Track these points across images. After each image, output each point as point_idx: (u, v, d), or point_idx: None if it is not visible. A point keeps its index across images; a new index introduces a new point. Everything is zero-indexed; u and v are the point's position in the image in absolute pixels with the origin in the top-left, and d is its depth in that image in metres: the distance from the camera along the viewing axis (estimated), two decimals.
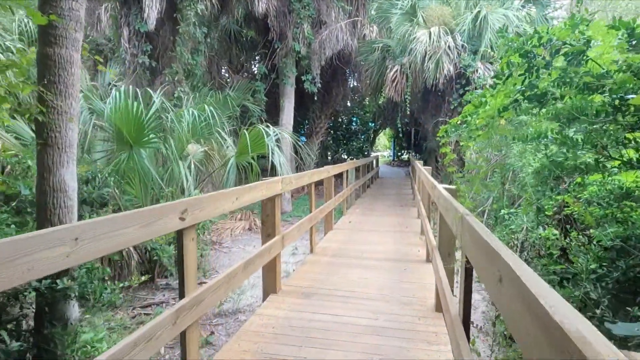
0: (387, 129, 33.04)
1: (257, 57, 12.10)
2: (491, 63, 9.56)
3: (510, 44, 1.97)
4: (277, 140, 5.09)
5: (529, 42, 1.71)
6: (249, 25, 12.04)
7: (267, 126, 4.71)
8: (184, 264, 2.34)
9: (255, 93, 10.03)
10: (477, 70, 9.45)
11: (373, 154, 21.91)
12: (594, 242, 2.82)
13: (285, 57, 9.92)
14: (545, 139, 2.55)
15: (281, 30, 9.64)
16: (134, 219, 1.83)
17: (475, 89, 9.59)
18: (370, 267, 5.07)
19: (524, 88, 1.86)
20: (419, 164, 8.98)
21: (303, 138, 15.54)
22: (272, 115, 11.80)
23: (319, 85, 11.04)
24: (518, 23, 9.24)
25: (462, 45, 9.68)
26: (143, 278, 3.58)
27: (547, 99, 1.74)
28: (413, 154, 26.25)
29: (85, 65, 8.21)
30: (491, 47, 9.33)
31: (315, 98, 14.89)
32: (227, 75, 13.22)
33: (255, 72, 10.37)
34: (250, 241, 8.21)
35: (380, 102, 20.14)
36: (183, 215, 2.25)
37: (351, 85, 21.76)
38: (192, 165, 5.62)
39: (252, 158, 5.18)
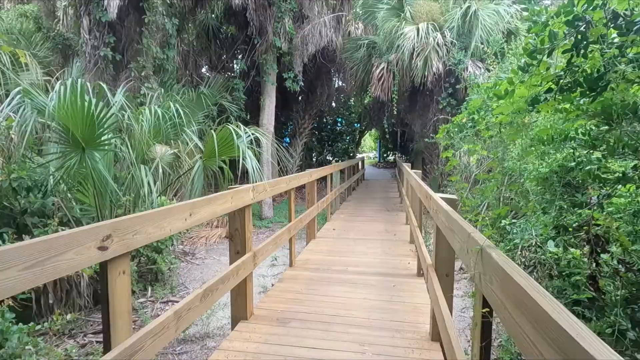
0: (373, 130, 32.69)
1: (238, 54, 11.48)
2: (482, 60, 9.15)
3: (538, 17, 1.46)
4: (255, 142, 4.51)
5: (578, 4, 1.21)
6: (228, 21, 11.42)
7: (238, 125, 4.13)
8: (109, 306, 1.77)
9: (234, 91, 9.42)
10: (467, 68, 9.03)
11: (359, 156, 21.46)
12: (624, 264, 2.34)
13: (266, 53, 9.34)
14: (572, 141, 2.04)
15: (261, 25, 9.06)
16: (10, 257, 1.25)
17: (465, 88, 9.16)
18: (356, 283, 4.54)
19: (560, 73, 1.37)
20: (406, 167, 8.51)
21: (287, 139, 14.98)
22: (254, 115, 11.21)
23: (302, 83, 10.49)
24: (510, 19, 8.87)
25: (452, 42, 9.26)
26: (69, 317, 2.95)
27: (604, 83, 1.24)
28: (399, 155, 25.90)
29: (45, 62, 7.52)
30: (482, 44, 8.92)
31: (299, 98, 14.37)
32: (207, 73, 12.60)
33: (236, 69, 9.76)
34: (226, 251, 7.60)
35: (366, 102, 19.68)
36: (105, 243, 1.68)
37: (336, 86, 21.30)
38: (160, 170, 5.02)
39: (224, 162, 4.59)
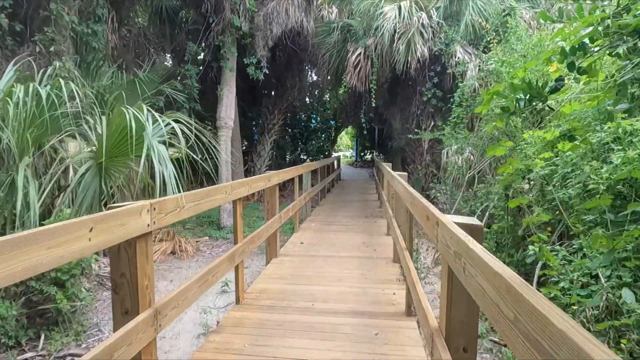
0: (350, 128, 31.57)
1: (192, 37, 10.01)
2: (473, 45, 8.01)
3: None
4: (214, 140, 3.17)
5: None
6: (184, 1, 9.97)
7: (148, 110, 2.77)
8: None
9: (185, 78, 7.99)
10: (454, 54, 7.88)
11: (334, 154, 20.24)
12: None
13: (223, 34, 7.94)
14: None
15: (217, 1, 7.67)
16: None
17: (453, 76, 8.01)
18: (324, 331, 3.28)
19: None
20: (387, 168, 7.31)
21: (257, 136, 13.56)
22: (213, 108, 9.79)
23: (267, 71, 9.13)
24: None
25: (438, 23, 8.11)
26: None
27: None
28: (377, 154, 24.84)
29: None
30: (473, 27, 7.78)
31: (268, 92, 13.01)
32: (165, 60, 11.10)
33: (188, 53, 8.29)
34: (169, 272, 6.21)
35: (341, 93, 18.49)
36: None
37: (310, 80, 20.00)
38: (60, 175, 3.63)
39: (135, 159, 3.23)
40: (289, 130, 16.14)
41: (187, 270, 6.30)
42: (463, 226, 1.82)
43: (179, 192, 2.75)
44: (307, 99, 17.61)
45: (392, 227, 5.25)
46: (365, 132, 24.13)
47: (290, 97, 12.71)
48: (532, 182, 4.17)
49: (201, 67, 9.02)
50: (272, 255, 5.48)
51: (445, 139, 7.44)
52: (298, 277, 4.72)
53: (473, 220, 1.91)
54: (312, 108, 17.54)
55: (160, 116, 2.86)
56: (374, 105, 8.67)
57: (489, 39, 7.38)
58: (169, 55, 11.62)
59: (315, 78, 20.20)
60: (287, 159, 14.51)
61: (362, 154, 30.98)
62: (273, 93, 12.72)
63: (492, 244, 4.60)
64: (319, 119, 18.27)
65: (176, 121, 3.10)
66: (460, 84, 7.44)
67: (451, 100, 7.81)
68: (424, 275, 5.70)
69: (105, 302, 4.97)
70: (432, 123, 8.53)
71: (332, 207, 10.17)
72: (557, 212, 3.49)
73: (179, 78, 8.01)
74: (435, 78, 8.34)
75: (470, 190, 7.32)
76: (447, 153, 8.10)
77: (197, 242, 7.44)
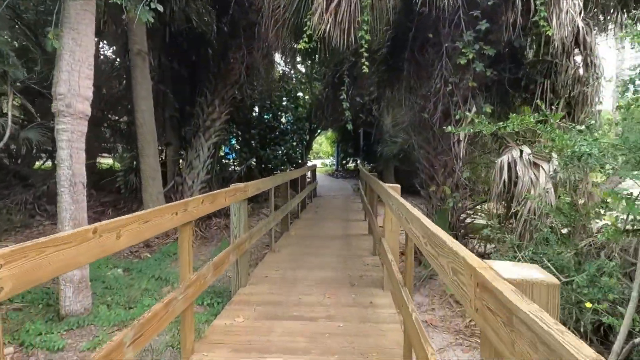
0: (330, 132, 27.61)
1: None
2: None
3: None
4: None
5: None
6: None
7: None
8: None
9: None
10: None
11: (309, 163, 16.21)
12: None
13: None
14: None
15: None
16: None
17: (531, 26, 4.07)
18: None
19: None
20: (389, 190, 3.42)
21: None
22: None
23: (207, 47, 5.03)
24: None
25: None
26: None
27: None
28: (360, 161, 20.91)
29: None
30: None
31: (206, 74, 8.88)
32: None
33: None
34: None
35: (317, 88, 14.53)
36: None
37: (280, 71, 15.98)
38: None
39: None
40: (242, 130, 12.00)
41: None
42: None
43: None
44: (264, 89, 13.55)
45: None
46: (349, 131, 20.05)
47: (236, 79, 8.60)
48: None
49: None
50: None
51: (544, 146, 3.50)
52: None
53: None
54: (278, 104, 13.46)
55: None
56: (365, 69, 4.59)
57: None
58: None
59: (285, 68, 16.22)
60: (239, 170, 10.25)
61: (344, 161, 26.98)
62: (212, 76, 8.60)
63: None
64: (290, 117, 14.22)
65: None
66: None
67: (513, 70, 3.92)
68: None
69: None
70: (473, 109, 4.56)
71: (299, 248, 6.11)
72: None
73: None
74: (484, 24, 4.33)
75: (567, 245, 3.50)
76: (509, 167, 4.20)
77: None
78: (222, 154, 11.60)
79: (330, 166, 32.52)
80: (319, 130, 20.10)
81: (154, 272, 5.57)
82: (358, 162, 21.85)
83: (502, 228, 4.09)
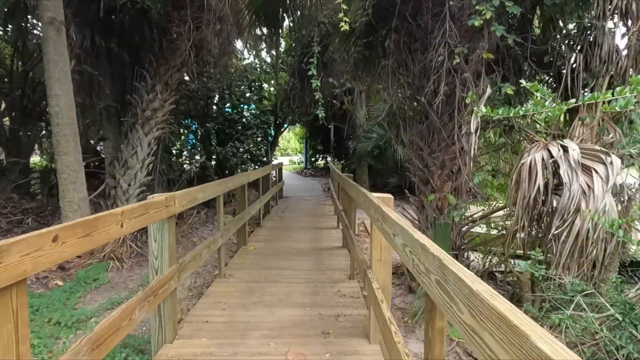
0: (298, 127, 26.26)
1: None
2: None
3: None
4: None
5: None
6: None
7: None
8: None
9: None
10: None
11: (275, 161, 14.82)
12: None
13: None
14: None
15: None
16: None
17: None
18: None
19: None
20: (373, 198, 2.17)
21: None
22: None
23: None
24: None
25: None
26: None
27: None
28: (331, 158, 19.68)
29: None
30: None
31: (148, 57, 7.29)
32: None
33: None
34: None
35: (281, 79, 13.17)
36: None
37: (240, 56, 14.51)
38: None
39: None
40: (195, 124, 10.46)
41: None
42: None
43: None
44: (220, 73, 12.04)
45: None
46: (319, 126, 18.73)
47: (183, 61, 7.07)
48: None
49: None
50: None
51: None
52: None
53: None
54: (239, 95, 11.98)
55: None
56: (345, 27, 3.28)
57: None
58: None
59: (251, 57, 14.70)
60: (188, 171, 8.66)
61: (313, 159, 25.64)
62: (152, 56, 7.08)
63: None
64: (253, 109, 12.75)
65: None
66: None
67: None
68: None
69: None
70: (488, 90, 3.34)
71: (251, 281, 4.70)
72: None
73: None
74: None
75: None
76: (543, 168, 2.99)
77: None
78: (176, 151, 10.01)
79: (299, 164, 31.12)
80: (285, 125, 18.67)
81: (54, 313, 4.07)
82: (328, 159, 20.61)
83: (537, 252, 2.88)
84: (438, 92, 3.52)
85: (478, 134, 3.30)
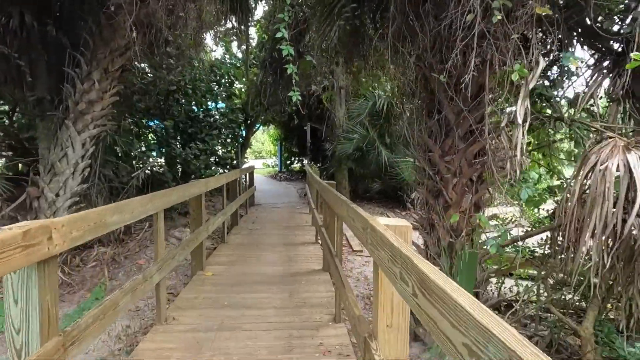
0: (273, 128, 24.99)
1: None
2: None
3: None
4: None
5: None
6: None
7: None
8: None
9: None
10: None
11: (246, 164, 13.55)
12: None
13: None
14: None
15: None
16: None
17: None
18: None
19: None
20: (380, 229, 0.99)
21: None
22: None
23: None
24: None
25: None
26: None
27: None
28: (308, 161, 18.50)
29: None
30: None
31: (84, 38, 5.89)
32: None
33: None
34: None
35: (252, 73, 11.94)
36: None
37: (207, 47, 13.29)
38: None
39: None
40: (153, 121, 9.09)
41: None
42: None
43: None
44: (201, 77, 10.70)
45: None
46: (294, 127, 17.47)
47: (127, 44, 5.74)
48: None
49: None
50: None
51: None
52: None
53: None
54: (204, 90, 10.67)
55: None
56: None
57: None
58: None
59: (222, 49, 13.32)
60: (135, 176, 7.21)
61: (288, 162, 24.37)
62: (89, 37, 5.75)
63: None
64: (222, 107, 11.43)
65: None
66: None
67: None
68: None
69: None
70: (542, 62, 2.26)
71: (203, 329, 3.44)
72: None
73: None
74: None
75: None
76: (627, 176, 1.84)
77: None
78: (138, 153, 8.54)
79: (274, 167, 29.78)
80: (258, 125, 17.37)
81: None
82: (305, 162, 19.42)
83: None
84: (468, 65, 2.41)
85: (527, 125, 2.20)
